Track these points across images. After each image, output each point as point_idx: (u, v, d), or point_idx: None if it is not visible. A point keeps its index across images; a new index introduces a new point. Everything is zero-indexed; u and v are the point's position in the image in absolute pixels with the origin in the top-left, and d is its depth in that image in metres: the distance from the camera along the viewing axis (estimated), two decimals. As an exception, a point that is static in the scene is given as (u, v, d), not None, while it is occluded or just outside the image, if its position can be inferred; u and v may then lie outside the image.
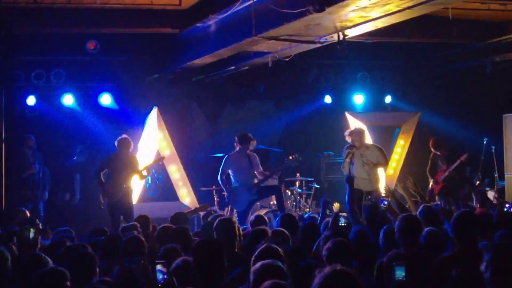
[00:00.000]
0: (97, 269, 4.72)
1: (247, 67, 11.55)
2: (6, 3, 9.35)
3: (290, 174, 12.15)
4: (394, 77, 13.88)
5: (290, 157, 10.37)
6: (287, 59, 9.85)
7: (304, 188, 12.15)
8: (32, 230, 5.77)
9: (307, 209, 11.88)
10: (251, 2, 7.80)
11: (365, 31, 8.23)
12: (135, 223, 7.15)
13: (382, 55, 12.67)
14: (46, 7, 9.52)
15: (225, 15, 8.65)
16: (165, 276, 3.99)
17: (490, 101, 13.46)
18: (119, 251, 5.46)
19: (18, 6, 9.35)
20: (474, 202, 9.12)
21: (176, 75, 12.24)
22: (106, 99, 12.32)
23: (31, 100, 11.98)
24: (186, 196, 12.64)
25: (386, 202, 7.13)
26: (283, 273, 3.88)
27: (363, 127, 12.51)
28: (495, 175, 12.47)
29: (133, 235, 5.72)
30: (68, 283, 4.04)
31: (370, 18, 7.37)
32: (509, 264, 3.94)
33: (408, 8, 6.93)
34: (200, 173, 12.85)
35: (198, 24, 9.60)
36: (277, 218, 6.80)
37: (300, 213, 10.90)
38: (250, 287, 3.88)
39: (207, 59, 10.34)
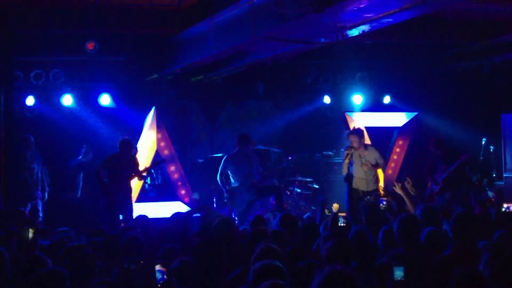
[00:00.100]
0: (97, 270, 4.73)
1: (246, 68, 11.56)
2: (4, 3, 9.35)
3: (289, 174, 12.16)
4: (393, 77, 13.89)
5: (290, 158, 10.38)
6: (286, 60, 9.86)
7: (303, 188, 12.17)
8: (31, 230, 5.78)
9: (306, 209, 11.90)
10: (250, 2, 7.80)
11: (364, 32, 8.23)
12: (134, 223, 7.16)
13: (380, 56, 12.68)
14: (45, 7, 9.52)
15: (224, 15, 8.65)
16: (165, 276, 4.01)
17: (489, 101, 13.48)
18: (119, 252, 5.47)
19: (17, 6, 9.35)
20: (473, 202, 9.13)
21: (175, 76, 12.24)
22: (105, 100, 12.32)
23: (30, 101, 11.96)
24: (185, 196, 12.64)
25: (385, 202, 7.14)
26: (282, 273, 3.89)
27: (362, 127, 12.52)
28: (494, 175, 12.49)
29: (133, 236, 5.73)
30: (68, 283, 4.05)
31: (369, 18, 7.38)
32: (507, 263, 3.95)
33: (407, 8, 6.94)
34: (199, 173, 12.85)
35: (197, 25, 9.60)
36: (276, 219, 6.80)
37: (299, 213, 10.92)
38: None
39: (206, 60, 10.34)
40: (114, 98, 12.36)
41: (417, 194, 7.99)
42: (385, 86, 13.97)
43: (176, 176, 12.66)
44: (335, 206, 6.82)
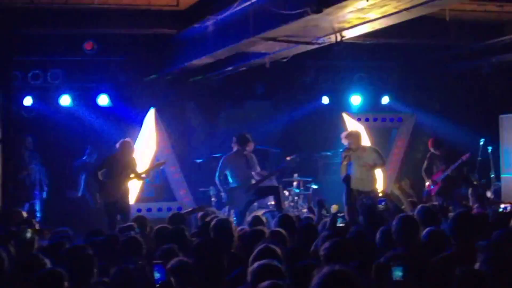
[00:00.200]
0: (95, 270, 4.72)
1: (245, 68, 11.56)
2: (3, 3, 9.34)
3: (288, 174, 12.16)
4: (391, 78, 13.90)
5: (288, 158, 10.38)
6: (285, 60, 9.86)
7: (302, 188, 12.17)
8: (29, 230, 5.78)
9: (304, 210, 11.90)
10: (249, 3, 7.81)
11: (363, 32, 8.24)
12: (132, 223, 7.16)
13: (379, 56, 12.69)
14: (44, 7, 9.52)
15: (223, 15, 8.65)
16: (163, 277, 4.00)
17: (487, 102, 13.49)
18: (117, 252, 5.46)
19: (15, 6, 9.34)
20: (471, 202, 9.15)
21: (174, 76, 12.24)
22: (103, 100, 12.31)
23: (28, 101, 11.96)
24: (184, 196, 12.64)
25: (383, 203, 7.15)
26: (281, 273, 3.89)
27: (360, 129, 12.53)
28: (492, 175, 12.50)
29: (131, 236, 5.73)
30: (66, 283, 4.05)
31: (368, 19, 7.39)
32: (503, 264, 3.96)
33: (406, 9, 6.95)
34: (198, 173, 12.84)
35: (196, 25, 9.60)
36: (275, 219, 6.81)
37: (298, 214, 10.91)
38: (248, 288, 3.90)
39: (205, 60, 10.34)
40: (112, 98, 12.36)
41: (415, 194, 8.01)
42: (384, 87, 13.98)
43: (174, 176, 12.66)
44: (335, 208, 6.83)
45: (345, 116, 13.89)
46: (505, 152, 12.48)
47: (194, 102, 13.61)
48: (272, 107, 14.15)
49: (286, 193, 11.79)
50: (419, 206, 6.52)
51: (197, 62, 10.52)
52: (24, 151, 11.17)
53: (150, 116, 12.54)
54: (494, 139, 12.62)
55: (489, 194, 11.50)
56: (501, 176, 12.49)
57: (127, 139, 10.17)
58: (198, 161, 13.00)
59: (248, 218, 7.39)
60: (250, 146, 10.13)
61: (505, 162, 12.48)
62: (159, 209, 11.79)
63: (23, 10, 9.48)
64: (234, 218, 9.65)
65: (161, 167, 11.65)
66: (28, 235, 5.68)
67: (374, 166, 9.75)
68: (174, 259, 4.59)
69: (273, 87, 13.42)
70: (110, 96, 12.33)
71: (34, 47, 11.20)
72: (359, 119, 13.83)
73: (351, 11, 6.93)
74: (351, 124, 13.70)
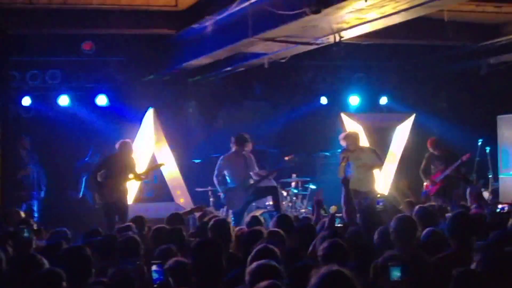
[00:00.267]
0: (93, 270, 4.72)
1: (243, 68, 11.56)
2: (1, 3, 9.33)
3: (286, 174, 12.16)
4: (390, 78, 13.91)
5: (287, 158, 10.38)
6: (283, 60, 9.87)
7: (300, 188, 12.17)
8: (27, 230, 5.77)
9: (303, 210, 11.90)
10: (248, 3, 7.80)
11: (362, 33, 8.25)
12: (130, 223, 7.15)
13: (377, 57, 12.70)
14: (42, 7, 9.51)
15: (221, 16, 8.65)
16: (161, 277, 4.00)
17: (485, 102, 13.51)
18: (115, 252, 5.46)
19: (13, 6, 9.33)
20: (469, 202, 9.15)
21: (172, 76, 12.24)
22: (102, 100, 12.30)
23: (26, 101, 11.95)
24: (182, 196, 12.63)
25: (381, 203, 7.15)
26: (279, 273, 3.89)
27: (357, 130, 12.53)
28: (490, 176, 12.52)
29: (129, 236, 5.72)
30: (64, 284, 4.05)
31: (366, 20, 7.40)
32: (499, 264, 3.97)
33: (404, 10, 6.97)
34: (196, 173, 12.84)
35: (194, 25, 9.59)
36: (273, 219, 6.81)
37: (296, 214, 10.91)
38: (246, 288, 3.89)
39: (203, 60, 10.35)
40: (111, 98, 12.35)
41: (413, 195, 8.02)
42: (382, 87, 13.99)
43: (172, 176, 12.66)
44: (333, 209, 6.82)
45: (343, 116, 13.90)
46: (503, 152, 12.51)
47: (193, 102, 13.61)
48: (271, 107, 14.15)
49: (284, 193, 11.80)
50: (417, 207, 6.53)
51: (195, 62, 10.53)
52: (22, 151, 11.16)
53: (149, 116, 12.54)
54: (492, 139, 12.64)
55: (486, 194, 11.52)
56: (499, 176, 12.52)
57: (127, 139, 10.17)
58: (197, 161, 13.00)
59: (246, 218, 7.38)
60: (249, 147, 10.13)
61: (503, 163, 12.51)
62: (157, 209, 11.77)
63: (21, 11, 9.46)
64: (232, 218, 9.65)
65: (161, 169, 11.66)
66: (26, 235, 5.68)
67: (372, 166, 9.77)
68: (172, 259, 4.59)
69: (272, 87, 13.43)
70: (109, 96, 12.32)
71: (32, 48, 11.18)
72: (357, 120, 13.83)
73: (350, 12, 6.94)
74: (350, 124, 13.71)
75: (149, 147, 12.50)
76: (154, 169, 11.20)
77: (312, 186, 12.42)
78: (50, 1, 9.35)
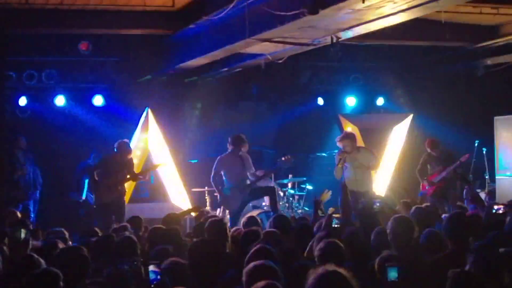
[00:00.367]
0: (90, 270, 4.71)
1: (240, 69, 11.55)
2: (-2, 3, 9.31)
3: (282, 175, 12.17)
4: (386, 79, 13.91)
5: (283, 158, 10.37)
6: (280, 61, 9.86)
7: (296, 189, 12.18)
8: (23, 230, 5.76)
9: (300, 210, 11.91)
10: (244, 4, 7.80)
11: (359, 34, 8.25)
12: (126, 224, 7.15)
13: (374, 58, 12.71)
14: (38, 7, 9.49)
15: (218, 16, 8.64)
16: (158, 277, 4.00)
17: (481, 103, 13.53)
18: (111, 252, 5.45)
19: (10, 6, 9.31)
20: (466, 203, 9.17)
21: (169, 76, 12.22)
22: (98, 100, 12.28)
23: (22, 101, 11.93)
24: (179, 197, 12.62)
25: (378, 204, 7.16)
26: (276, 274, 3.89)
27: (354, 130, 12.54)
28: (486, 177, 12.54)
29: (126, 236, 5.72)
30: (61, 284, 4.04)
31: (364, 21, 7.40)
32: (490, 266, 3.98)
33: (402, 11, 6.97)
34: (192, 174, 12.83)
35: (191, 26, 9.59)
36: (270, 219, 6.80)
37: (293, 214, 10.92)
38: (243, 288, 3.89)
39: (200, 61, 10.33)
40: (107, 98, 12.33)
41: (409, 196, 8.02)
42: (379, 88, 13.99)
43: (169, 177, 12.64)
44: (331, 210, 6.83)
45: (340, 117, 13.90)
46: (500, 153, 12.52)
47: (189, 103, 13.60)
48: (267, 108, 14.15)
49: (281, 193, 11.80)
50: (414, 207, 6.53)
51: (192, 62, 10.51)
52: (18, 152, 11.13)
53: (145, 117, 12.52)
54: (489, 140, 12.65)
55: (483, 195, 11.53)
56: (496, 177, 12.53)
57: (125, 140, 10.16)
58: (193, 161, 12.99)
59: (243, 218, 7.38)
60: (245, 147, 10.12)
61: (499, 164, 12.51)
62: (154, 210, 11.75)
63: (18, 10, 9.44)
64: (229, 219, 9.64)
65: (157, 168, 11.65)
66: (22, 235, 5.66)
67: (369, 167, 9.77)
68: (168, 259, 4.59)
69: (269, 88, 13.42)
70: (105, 97, 12.30)
71: (29, 47, 11.16)
72: (354, 121, 13.83)
73: (347, 13, 6.94)
74: (346, 125, 13.72)
75: (146, 147, 12.48)
76: (153, 169, 11.19)
77: (309, 187, 12.42)
78: (47, 1, 9.33)
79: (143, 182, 12.12)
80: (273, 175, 11.27)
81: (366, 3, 6.49)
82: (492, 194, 11.97)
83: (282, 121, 14.23)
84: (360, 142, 12.21)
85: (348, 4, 6.56)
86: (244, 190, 9.92)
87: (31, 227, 7.51)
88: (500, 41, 10.60)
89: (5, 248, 5.74)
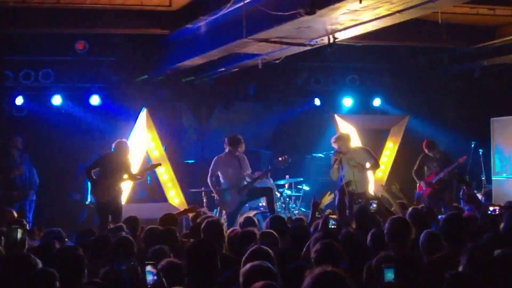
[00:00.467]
0: (86, 270, 4.70)
1: (237, 69, 11.55)
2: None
3: (279, 175, 12.17)
4: (383, 80, 13.93)
5: (280, 159, 10.38)
6: (277, 61, 9.86)
7: (293, 189, 12.18)
8: (19, 230, 5.75)
9: (296, 211, 11.91)
10: (242, 4, 7.79)
11: (356, 34, 8.25)
12: (123, 224, 7.14)
13: (371, 58, 12.72)
14: (35, 7, 9.47)
15: (215, 16, 8.64)
16: (155, 277, 4.00)
17: (478, 104, 13.55)
18: (107, 252, 5.44)
19: (6, 5, 9.29)
20: (462, 203, 9.17)
21: (166, 76, 12.21)
22: (95, 100, 12.27)
23: (19, 100, 11.91)
24: (175, 197, 12.62)
25: (374, 205, 7.16)
26: (273, 274, 3.89)
27: (351, 131, 12.54)
28: (483, 178, 12.56)
29: (123, 236, 5.72)
30: (58, 284, 4.04)
31: (361, 21, 7.40)
32: (483, 266, 3.99)
33: (398, 12, 6.96)
34: (189, 174, 12.82)
35: (188, 25, 9.58)
36: (266, 220, 6.80)
37: (289, 215, 10.92)
38: (240, 289, 3.89)
39: (197, 61, 10.32)
40: (104, 98, 12.32)
41: (405, 197, 8.02)
42: (375, 89, 14.00)
43: (166, 177, 12.64)
44: (328, 211, 6.84)
45: (336, 117, 13.91)
46: (496, 154, 12.54)
47: (186, 103, 13.60)
48: (264, 108, 14.16)
49: (278, 194, 11.81)
50: (410, 208, 6.54)
51: (189, 62, 10.50)
52: (14, 151, 11.11)
53: (142, 117, 12.52)
54: (485, 141, 12.68)
55: (479, 196, 11.56)
56: (492, 178, 12.55)
57: (123, 139, 10.14)
58: (190, 161, 12.99)
59: (240, 219, 7.38)
60: (242, 148, 10.13)
61: (496, 165, 12.54)
62: (150, 210, 11.74)
63: (15, 10, 9.42)
64: (226, 219, 9.64)
65: (157, 169, 11.63)
66: (19, 235, 5.65)
67: (367, 167, 9.75)
68: (165, 260, 4.59)
69: (265, 88, 13.42)
70: (102, 96, 12.29)
71: (26, 47, 11.15)
72: (350, 121, 13.84)
73: (344, 13, 6.93)
74: (343, 126, 13.73)
75: (143, 147, 12.47)
76: (151, 169, 11.18)
77: (306, 187, 12.43)
78: (43, 0, 9.31)
79: (140, 182, 12.12)
80: (269, 175, 11.26)
81: (363, 4, 6.50)
82: (488, 195, 11.99)
83: (279, 122, 14.24)
84: (357, 143, 12.22)
85: (344, 4, 6.57)
86: (241, 190, 9.92)
87: (27, 227, 7.50)
88: (497, 42, 10.61)
89: (1, 248, 5.72)
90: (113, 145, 9.88)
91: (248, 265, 3.92)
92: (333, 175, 9.66)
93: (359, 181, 9.61)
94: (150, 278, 3.97)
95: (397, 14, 7.04)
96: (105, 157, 9.90)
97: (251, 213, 10.10)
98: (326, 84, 13.60)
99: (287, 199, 11.98)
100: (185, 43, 10.15)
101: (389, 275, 3.89)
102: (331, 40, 8.20)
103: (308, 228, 6.42)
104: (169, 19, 9.94)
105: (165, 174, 12.63)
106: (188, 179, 12.69)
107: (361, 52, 11.74)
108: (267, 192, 10.22)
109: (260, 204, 11.09)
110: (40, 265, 4.59)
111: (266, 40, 8.37)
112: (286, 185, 12.09)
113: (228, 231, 6.30)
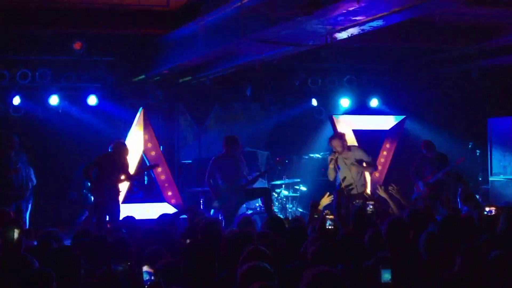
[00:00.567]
0: (83, 271, 4.69)
1: (234, 69, 11.55)
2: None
3: (276, 176, 12.17)
4: (380, 81, 13.94)
5: (277, 159, 10.39)
6: (275, 62, 9.86)
7: (290, 190, 12.18)
8: (16, 230, 5.73)
9: (294, 212, 11.91)
10: (239, 4, 7.79)
11: (353, 35, 8.25)
12: (120, 224, 7.13)
13: (368, 59, 12.72)
14: (32, 6, 9.46)
15: (213, 17, 8.64)
16: (152, 278, 3.99)
17: (476, 105, 13.57)
18: (104, 253, 5.43)
19: (3, 5, 9.28)
20: (460, 204, 9.18)
21: (163, 76, 12.21)
22: (92, 100, 12.26)
23: (16, 100, 11.89)
24: (172, 197, 12.60)
25: (371, 206, 7.15)
26: (270, 275, 3.88)
27: (348, 131, 12.53)
28: (480, 179, 12.57)
29: (120, 237, 5.71)
30: (54, 284, 4.03)
31: (358, 21, 7.39)
32: (478, 267, 3.99)
33: (396, 12, 6.96)
34: (186, 174, 12.82)
35: (185, 26, 9.57)
36: (263, 221, 6.80)
37: (286, 216, 10.92)
38: (237, 289, 3.88)
39: (194, 61, 10.31)
40: (101, 98, 12.31)
41: (402, 198, 8.02)
42: (373, 89, 14.01)
43: (163, 177, 12.62)
44: (326, 212, 6.82)
45: (334, 118, 13.91)
46: (493, 155, 12.56)
47: (183, 103, 13.60)
48: (261, 108, 14.16)
49: (275, 195, 11.81)
50: (407, 209, 6.53)
51: (186, 63, 10.49)
52: (11, 151, 11.09)
53: (139, 117, 12.50)
54: (482, 142, 12.69)
55: (477, 197, 11.57)
56: (489, 179, 12.57)
57: (121, 140, 10.13)
58: (187, 162, 12.98)
59: (237, 219, 7.37)
60: (239, 148, 10.12)
61: (493, 166, 12.56)
62: (147, 210, 11.74)
63: (11, 9, 9.41)
64: (223, 220, 9.64)
65: (155, 169, 11.62)
66: (15, 235, 5.63)
67: (364, 166, 9.73)
68: (162, 260, 4.58)
69: (263, 89, 13.43)
70: (99, 96, 12.28)
71: (22, 46, 11.13)
72: (347, 122, 13.85)
73: (342, 13, 6.93)
74: (340, 126, 13.73)
75: (139, 147, 12.46)
76: (148, 169, 11.16)
77: (303, 188, 12.43)
78: None
79: (137, 182, 12.12)
80: (266, 176, 11.27)
81: (360, 4, 6.49)
82: (485, 196, 12.01)
83: (275, 122, 14.24)
84: (353, 143, 12.21)
85: (342, 5, 6.56)
86: (238, 191, 9.91)
87: (24, 227, 7.48)
88: (494, 42, 10.63)
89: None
90: (111, 145, 9.87)
91: (245, 266, 3.92)
92: (330, 175, 9.66)
93: (356, 181, 9.61)
94: (146, 278, 3.97)
95: (394, 14, 7.04)
96: (102, 157, 9.88)
97: (248, 214, 10.11)
98: (323, 84, 13.60)
99: (284, 199, 11.98)
100: (182, 43, 10.15)
101: (386, 276, 3.88)
102: (329, 41, 8.19)
103: (305, 229, 6.41)
104: (167, 19, 9.94)
105: (162, 174, 12.61)
106: (185, 179, 12.68)
107: (358, 53, 11.75)
108: (265, 193, 10.21)
109: (257, 205, 11.09)
110: (36, 265, 4.58)
111: (263, 41, 8.37)
112: (283, 186, 12.09)
113: (225, 232, 6.29)
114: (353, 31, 7.92)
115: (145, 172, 12.63)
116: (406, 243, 5.08)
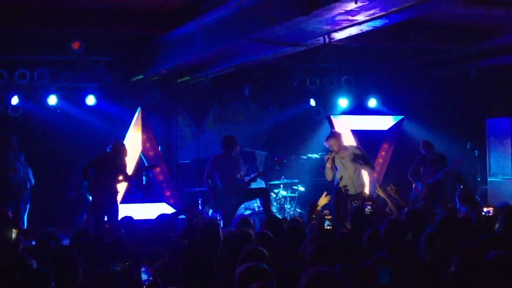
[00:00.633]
0: (81, 271, 4.69)
1: (232, 69, 11.55)
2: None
3: (275, 176, 12.17)
4: (379, 81, 13.94)
5: (276, 159, 10.38)
6: (273, 62, 9.86)
7: (288, 190, 12.18)
8: (14, 230, 5.71)
9: (291, 212, 11.91)
10: (238, 4, 7.79)
11: (351, 35, 8.25)
12: (118, 224, 7.13)
13: (367, 59, 12.72)
14: (31, 6, 9.45)
15: (211, 17, 8.64)
16: (150, 278, 3.99)
17: (474, 106, 13.58)
18: (102, 253, 5.43)
19: (1, 4, 9.27)
20: (459, 204, 9.18)
21: (161, 76, 12.20)
22: (90, 100, 12.26)
23: (14, 100, 11.89)
24: (171, 198, 12.59)
25: (369, 207, 7.14)
26: (268, 275, 3.88)
27: (345, 131, 12.54)
28: (478, 179, 12.58)
29: (118, 237, 5.71)
30: (52, 284, 4.02)
31: (356, 21, 7.40)
32: (475, 267, 3.99)
33: (394, 12, 6.97)
34: (185, 174, 12.81)
35: (184, 26, 9.57)
36: (262, 221, 6.79)
37: (284, 216, 10.92)
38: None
39: (193, 61, 10.31)
40: (99, 98, 12.30)
41: (401, 198, 8.01)
42: (371, 90, 14.02)
43: (161, 177, 12.61)
44: (325, 212, 6.82)
45: (332, 118, 13.91)
46: (492, 156, 12.56)
47: (181, 103, 13.59)
48: (259, 109, 14.17)
49: (273, 195, 11.81)
50: (406, 209, 6.53)
51: (184, 63, 10.49)
52: (9, 150, 11.09)
53: (137, 117, 12.49)
54: (481, 142, 12.70)
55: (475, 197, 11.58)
56: (488, 180, 12.57)
57: (120, 140, 10.12)
58: (185, 162, 12.98)
59: (235, 219, 7.37)
60: (237, 148, 10.12)
61: (491, 166, 12.55)
62: (146, 210, 11.72)
63: (10, 8, 9.40)
64: (221, 220, 9.64)
65: (155, 169, 11.61)
66: (13, 235, 5.62)
67: (361, 165, 9.72)
68: (160, 260, 4.58)
69: (261, 89, 13.42)
70: (97, 96, 12.27)
71: (21, 46, 11.12)
72: (346, 122, 13.85)
73: (340, 13, 6.94)
74: (338, 126, 13.73)
75: (138, 147, 12.45)
76: (146, 170, 11.15)
77: (301, 188, 12.43)
78: (39, -1, 9.32)
79: (135, 182, 12.11)
80: (263, 176, 11.26)
81: (359, 4, 6.50)
82: (483, 196, 12.01)
83: (274, 122, 14.24)
84: (351, 143, 12.21)
85: (340, 5, 6.57)
86: (237, 191, 9.91)
87: (22, 227, 7.48)
88: (492, 43, 10.63)
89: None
90: (110, 146, 9.86)
91: (243, 266, 3.92)
92: (327, 175, 9.66)
93: (354, 181, 9.60)
94: (145, 278, 3.96)
95: (393, 14, 7.04)
96: (100, 158, 9.87)
97: (246, 214, 10.11)
98: (322, 84, 13.61)
99: (282, 200, 11.98)
100: (181, 43, 10.14)
101: (385, 276, 3.89)
102: (327, 41, 8.20)
103: (304, 229, 6.41)
104: (165, 19, 9.94)
105: (161, 174, 12.60)
106: (183, 179, 12.68)
107: (356, 53, 11.75)
108: (263, 193, 10.21)
109: (255, 205, 11.09)
110: (35, 265, 4.57)
111: (261, 41, 8.37)
112: (281, 186, 12.09)
113: (224, 232, 6.29)
114: (352, 31, 7.93)
115: (144, 172, 12.61)
116: (405, 243, 5.09)
